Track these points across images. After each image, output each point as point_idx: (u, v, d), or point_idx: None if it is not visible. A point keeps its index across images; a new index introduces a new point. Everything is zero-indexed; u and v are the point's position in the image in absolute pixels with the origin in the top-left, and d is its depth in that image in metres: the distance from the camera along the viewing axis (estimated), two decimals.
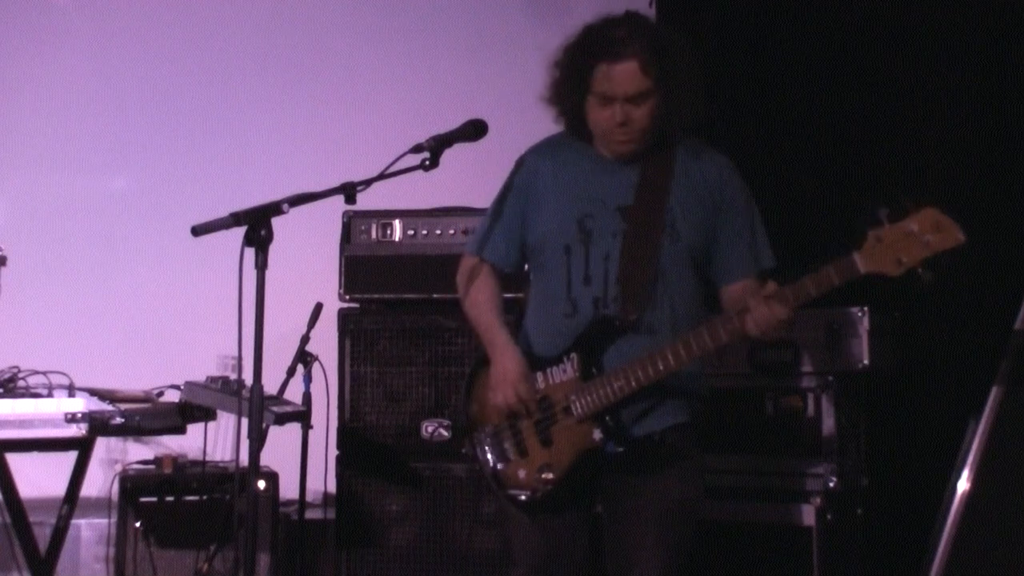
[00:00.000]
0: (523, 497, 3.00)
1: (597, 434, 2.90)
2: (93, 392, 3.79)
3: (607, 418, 2.90)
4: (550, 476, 2.95)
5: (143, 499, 4.34)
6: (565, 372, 2.96)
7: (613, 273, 2.95)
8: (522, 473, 3.00)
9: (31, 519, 4.00)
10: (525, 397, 2.96)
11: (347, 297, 4.46)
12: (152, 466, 4.47)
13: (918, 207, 2.62)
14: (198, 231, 2.74)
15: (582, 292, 2.98)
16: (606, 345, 2.93)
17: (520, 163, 3.14)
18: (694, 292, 3.02)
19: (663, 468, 2.96)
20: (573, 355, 2.95)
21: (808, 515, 3.86)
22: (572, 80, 2.95)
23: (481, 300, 3.13)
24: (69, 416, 3.62)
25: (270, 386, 3.28)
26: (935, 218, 2.60)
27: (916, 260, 2.61)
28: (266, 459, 3.08)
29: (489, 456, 3.06)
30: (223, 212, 2.75)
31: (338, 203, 2.90)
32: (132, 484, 4.33)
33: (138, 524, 4.31)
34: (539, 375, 2.99)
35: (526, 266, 3.19)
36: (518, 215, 3.09)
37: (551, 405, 2.97)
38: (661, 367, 2.85)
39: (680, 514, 2.99)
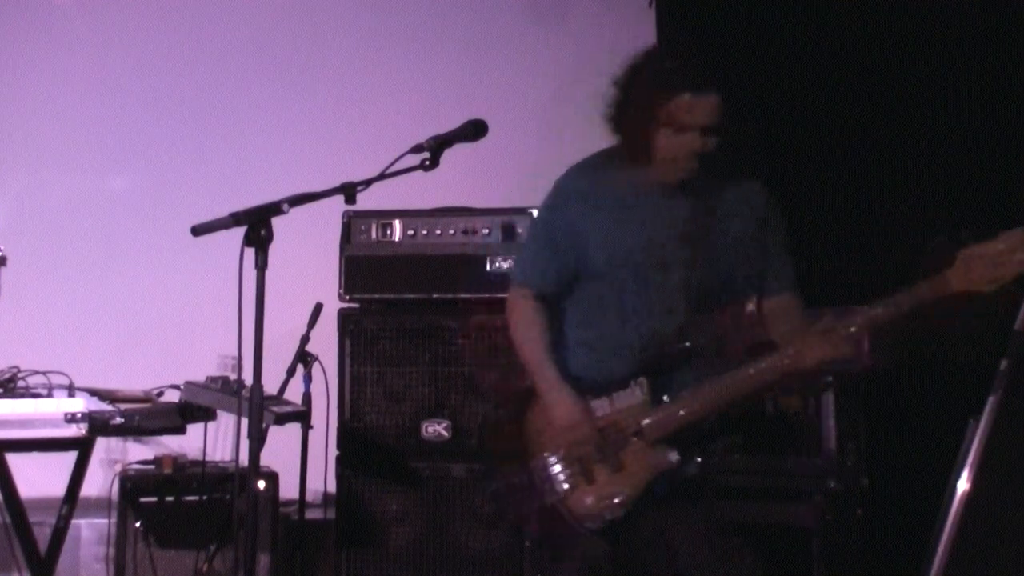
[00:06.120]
0: (592, 524, 3.01)
1: (674, 456, 2.95)
2: (93, 392, 3.78)
3: (680, 441, 2.95)
4: (622, 499, 2.98)
5: (143, 499, 4.33)
6: (633, 395, 3.00)
7: (673, 300, 3.01)
8: (589, 500, 3.01)
9: (31, 519, 3.99)
10: (586, 443, 3.00)
11: (347, 297, 4.46)
12: (152, 466, 4.46)
13: (1005, 228, 2.73)
14: (198, 231, 2.75)
15: (645, 319, 3.02)
16: (672, 370, 2.99)
17: (560, 189, 3.12)
18: None
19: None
20: (642, 379, 2.99)
21: (808, 515, 3.87)
22: (643, 107, 2.95)
23: (532, 336, 3.12)
24: (69, 416, 3.61)
25: (270, 386, 3.28)
26: (1022, 238, 2.72)
27: (1008, 277, 2.72)
28: (266, 459, 3.08)
29: (554, 484, 3.04)
30: (223, 212, 2.76)
31: (338, 203, 2.90)
32: (132, 484, 4.32)
33: (138, 524, 4.31)
34: (604, 400, 3.02)
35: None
36: (566, 242, 3.08)
37: (620, 430, 3.00)
38: (732, 393, 2.93)
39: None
